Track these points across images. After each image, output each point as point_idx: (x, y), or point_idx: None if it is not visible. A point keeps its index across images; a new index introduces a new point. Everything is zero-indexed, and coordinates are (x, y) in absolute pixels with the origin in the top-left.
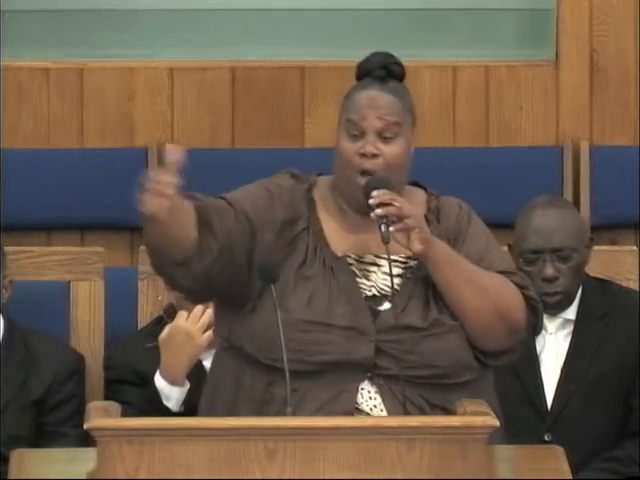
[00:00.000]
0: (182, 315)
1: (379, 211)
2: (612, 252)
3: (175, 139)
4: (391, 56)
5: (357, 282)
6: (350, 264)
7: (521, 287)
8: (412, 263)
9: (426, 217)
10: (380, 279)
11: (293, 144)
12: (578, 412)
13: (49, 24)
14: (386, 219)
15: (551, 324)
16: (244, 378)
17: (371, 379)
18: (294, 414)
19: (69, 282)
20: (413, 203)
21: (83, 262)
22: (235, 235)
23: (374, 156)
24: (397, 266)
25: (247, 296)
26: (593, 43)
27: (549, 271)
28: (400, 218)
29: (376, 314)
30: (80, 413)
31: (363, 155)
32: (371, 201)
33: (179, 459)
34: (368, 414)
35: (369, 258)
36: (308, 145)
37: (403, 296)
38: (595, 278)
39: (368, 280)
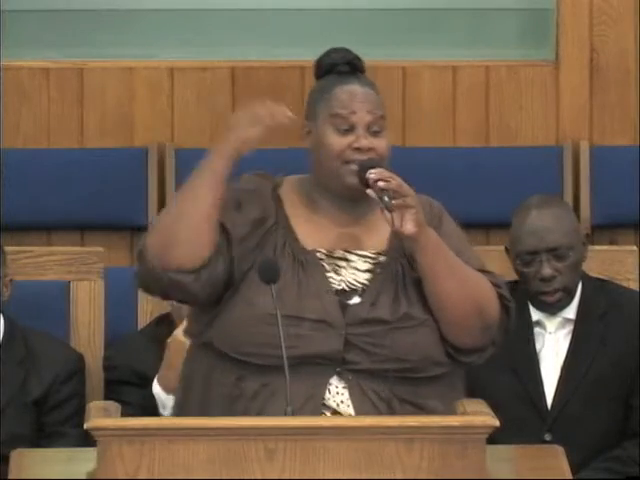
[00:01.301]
0: (181, 326)
1: (382, 183)
2: (612, 252)
3: (175, 139)
4: (350, 51)
5: (327, 276)
6: (320, 259)
7: (495, 286)
8: (382, 259)
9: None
10: (350, 274)
11: (293, 144)
12: (578, 412)
13: (49, 24)
14: (387, 192)
15: (551, 323)
16: (214, 374)
17: (340, 374)
18: (261, 411)
19: (69, 282)
20: None
21: (83, 262)
22: (220, 243)
23: (369, 149)
24: (367, 261)
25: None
26: (593, 43)
27: (546, 271)
28: (400, 194)
29: (345, 308)
30: (80, 413)
31: (357, 149)
32: (372, 176)
33: (179, 459)
34: (335, 410)
35: (339, 253)
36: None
37: (373, 290)
38: (595, 278)
39: (338, 275)
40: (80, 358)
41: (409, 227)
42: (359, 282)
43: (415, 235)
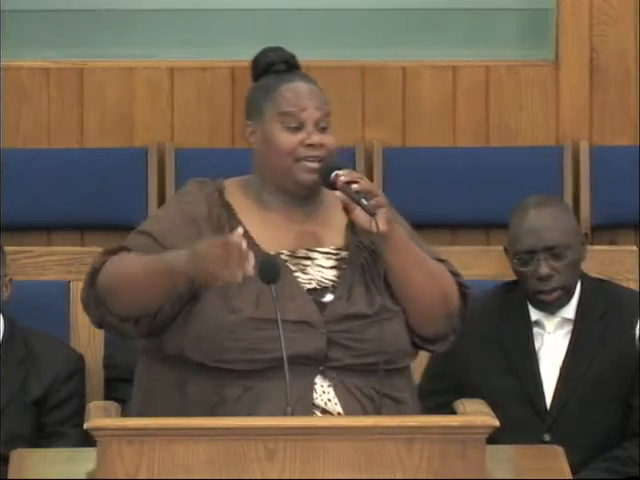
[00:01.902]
0: None
1: (355, 186)
2: (612, 252)
3: (175, 139)
4: (286, 50)
5: (295, 277)
6: (285, 260)
7: (453, 274)
8: (344, 254)
9: (344, 206)
10: (316, 271)
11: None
12: (577, 412)
13: (49, 24)
14: (363, 194)
15: (549, 323)
16: (188, 386)
17: (323, 373)
18: (250, 415)
19: (69, 282)
20: (329, 193)
21: (83, 262)
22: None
23: (320, 145)
24: (330, 258)
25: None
26: (593, 43)
27: (544, 270)
28: (372, 194)
29: (322, 306)
30: (80, 413)
31: (309, 145)
32: (342, 178)
33: (179, 459)
34: (324, 409)
35: (302, 252)
36: None
37: (344, 286)
38: (594, 278)
39: (305, 274)
40: (80, 358)
41: (382, 225)
42: (327, 279)
43: (387, 232)
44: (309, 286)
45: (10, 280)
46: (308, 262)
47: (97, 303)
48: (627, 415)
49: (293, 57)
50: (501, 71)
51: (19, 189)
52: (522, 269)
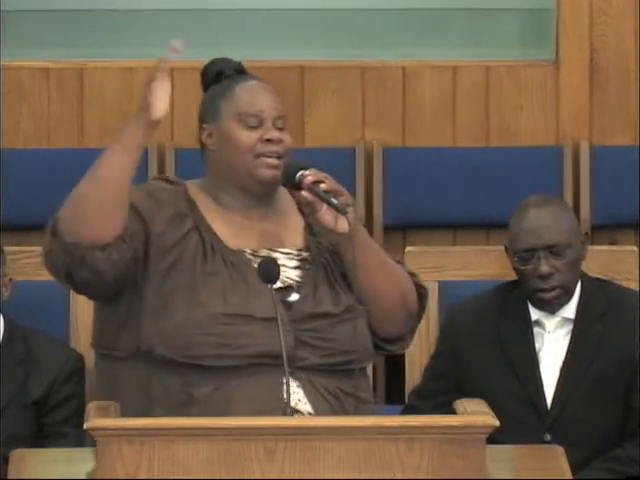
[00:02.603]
0: None
1: (323, 185)
2: (612, 252)
3: (175, 139)
4: (232, 60)
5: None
6: (248, 259)
7: (410, 275)
8: (305, 255)
9: (307, 206)
10: (280, 271)
11: (293, 143)
12: (578, 412)
13: (49, 24)
14: (332, 193)
15: (549, 322)
16: (152, 383)
17: (292, 373)
18: (221, 415)
19: None
20: (283, 195)
21: None
22: (135, 230)
23: (279, 141)
24: (292, 258)
25: (136, 298)
26: (593, 43)
27: (544, 268)
28: (338, 194)
29: (288, 305)
30: (80, 413)
31: (269, 141)
32: (309, 178)
33: (179, 459)
34: (295, 409)
35: (264, 252)
36: (308, 144)
37: (309, 285)
38: (595, 278)
39: None
40: (80, 358)
41: (345, 225)
42: (291, 279)
43: (351, 232)
44: (274, 285)
45: (10, 280)
46: None
47: (63, 250)
48: (627, 415)
49: (240, 65)
50: (501, 71)
51: (19, 189)
52: (522, 268)
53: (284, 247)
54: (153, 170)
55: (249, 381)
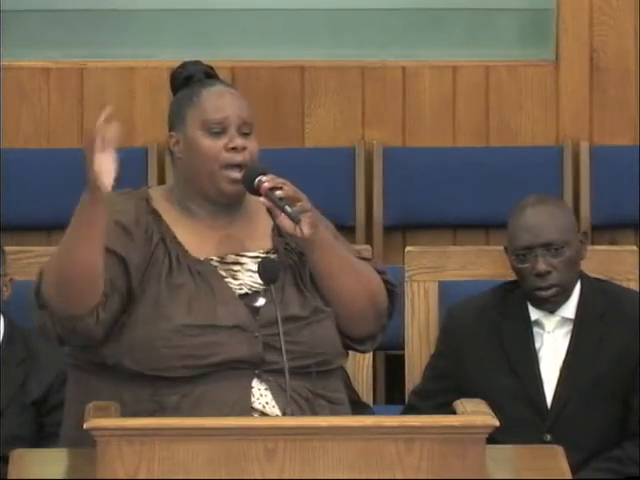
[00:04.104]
0: None
1: (279, 192)
2: (612, 252)
3: None
4: (203, 63)
5: (226, 283)
6: (214, 266)
7: (379, 272)
8: (273, 257)
9: (269, 210)
10: (247, 277)
11: (293, 144)
12: (578, 412)
13: (49, 24)
14: (287, 200)
15: (549, 322)
16: (124, 393)
17: (259, 376)
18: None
19: None
20: (255, 200)
21: None
22: (115, 276)
23: (243, 148)
24: (258, 262)
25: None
26: (593, 43)
27: (541, 266)
28: (295, 200)
29: (256, 310)
30: None
31: (233, 149)
32: (265, 184)
33: (179, 459)
34: (262, 412)
35: (231, 258)
36: (308, 145)
37: (276, 288)
38: (594, 278)
39: (235, 279)
40: None
41: (306, 230)
42: (259, 283)
43: (311, 236)
44: (240, 291)
45: (10, 280)
46: (238, 267)
47: (52, 321)
48: (627, 415)
49: (211, 69)
50: (501, 71)
51: (19, 189)
52: (520, 266)
53: (251, 251)
54: (153, 170)
55: (216, 386)
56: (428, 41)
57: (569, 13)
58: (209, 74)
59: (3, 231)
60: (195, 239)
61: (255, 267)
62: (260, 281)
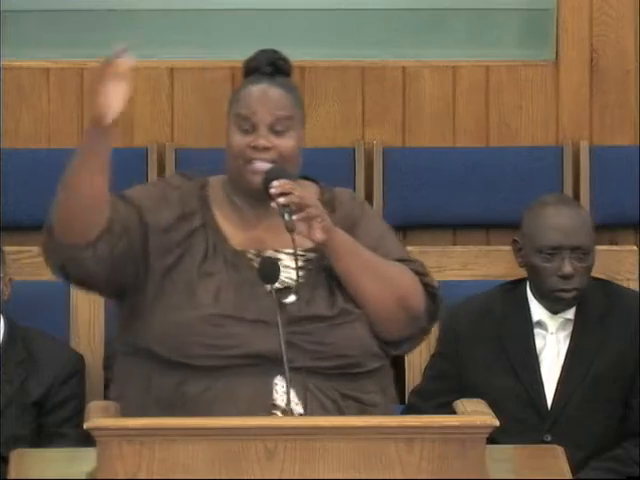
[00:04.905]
0: None
1: (281, 200)
2: (612, 252)
3: (175, 139)
4: (277, 52)
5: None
6: (250, 259)
7: (419, 274)
8: (311, 255)
9: None
10: (282, 272)
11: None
12: (578, 412)
13: (49, 24)
14: (288, 208)
15: (552, 323)
16: (152, 379)
17: (284, 374)
18: (208, 413)
19: None
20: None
21: None
22: (130, 223)
23: (266, 149)
24: (298, 259)
25: (140, 293)
26: (593, 43)
27: (568, 268)
28: (302, 207)
29: (282, 306)
30: (80, 413)
31: (255, 148)
32: (272, 190)
33: (179, 459)
34: (284, 410)
35: (269, 253)
36: (308, 145)
37: (307, 287)
38: (595, 278)
39: None
40: (80, 359)
41: (317, 235)
42: (293, 280)
43: (324, 241)
44: (272, 286)
45: (10, 280)
46: None
47: (54, 249)
48: (627, 415)
49: (282, 60)
50: (501, 71)
51: (19, 189)
52: (544, 265)
53: (291, 248)
54: (153, 170)
55: (238, 381)
56: (428, 41)
57: (569, 13)
58: (277, 66)
59: (3, 231)
60: (236, 230)
61: (292, 264)
62: (295, 278)
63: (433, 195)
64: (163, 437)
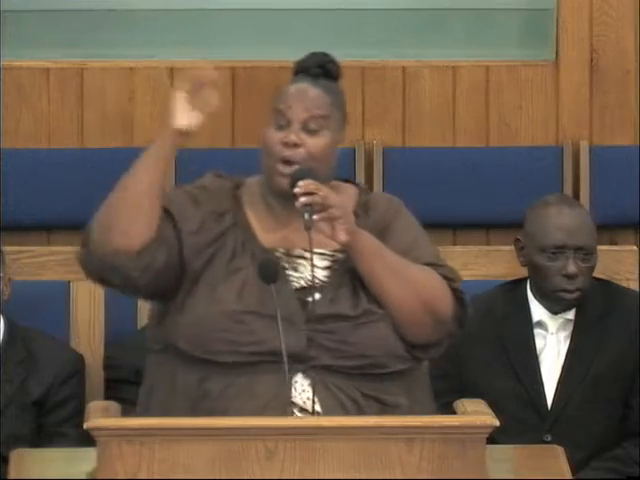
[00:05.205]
0: None
1: (303, 199)
2: (612, 252)
3: None
4: (327, 55)
5: (286, 274)
6: (278, 257)
7: (448, 279)
8: (339, 256)
9: (355, 211)
10: (309, 271)
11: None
12: (578, 412)
13: (49, 24)
14: (310, 207)
15: (553, 324)
16: (177, 376)
17: (304, 372)
18: (226, 411)
19: (69, 282)
20: (342, 197)
21: None
22: (166, 232)
23: (295, 145)
24: (325, 259)
25: (175, 293)
26: (593, 43)
27: (572, 268)
28: (324, 207)
29: (305, 305)
30: (80, 413)
31: (285, 144)
32: (296, 190)
33: (179, 459)
34: (302, 407)
35: (297, 252)
36: None
37: (332, 287)
38: (595, 278)
39: (297, 272)
40: (80, 359)
41: (340, 236)
42: (318, 279)
43: (347, 243)
44: (297, 285)
45: (10, 280)
46: (302, 261)
47: (93, 257)
48: (627, 415)
49: (331, 63)
50: (501, 71)
51: (19, 189)
52: (548, 264)
53: (320, 247)
54: None
55: (259, 378)
56: (428, 41)
57: (569, 13)
58: (326, 69)
59: (3, 231)
60: (267, 229)
61: (320, 263)
62: (321, 277)
63: (433, 195)
64: (163, 437)
